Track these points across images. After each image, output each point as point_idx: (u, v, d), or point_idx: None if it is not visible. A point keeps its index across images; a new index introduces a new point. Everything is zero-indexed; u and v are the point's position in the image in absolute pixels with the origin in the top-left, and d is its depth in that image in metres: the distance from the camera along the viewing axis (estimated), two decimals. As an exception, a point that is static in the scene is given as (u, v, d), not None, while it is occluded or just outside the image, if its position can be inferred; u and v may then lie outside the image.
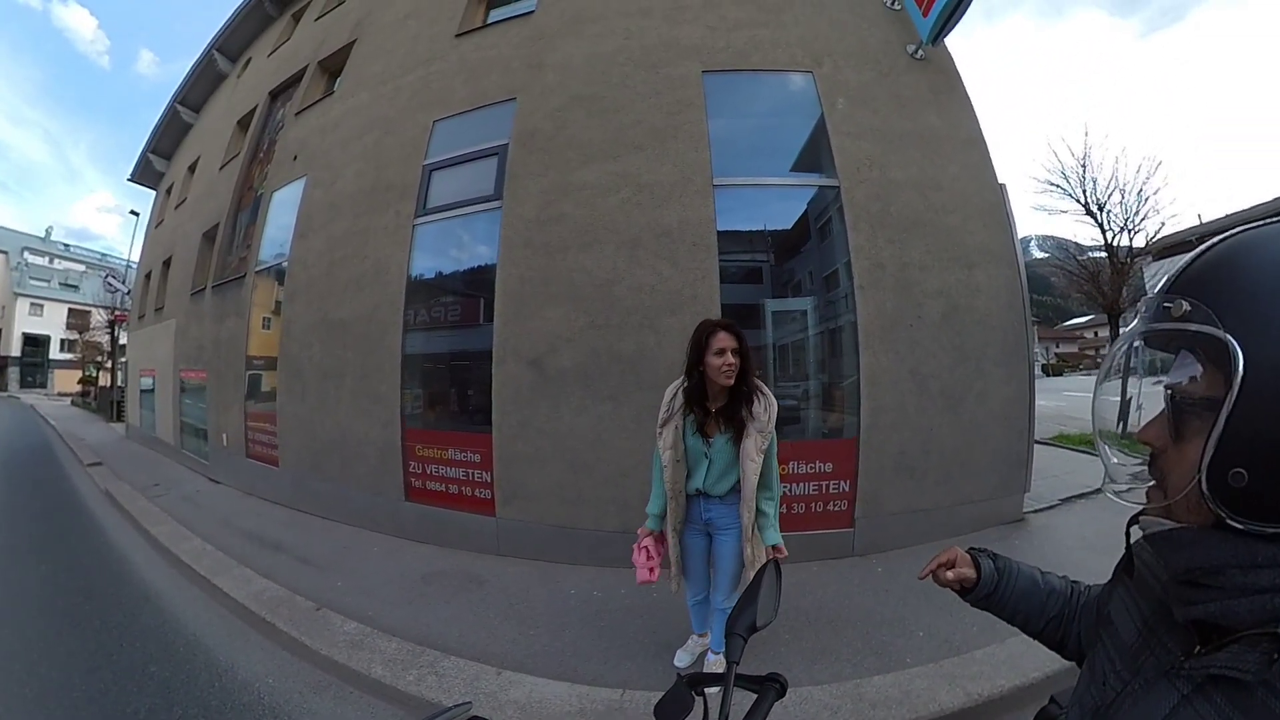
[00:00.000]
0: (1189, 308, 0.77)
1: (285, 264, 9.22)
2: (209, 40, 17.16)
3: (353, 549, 6.62)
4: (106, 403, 26.97)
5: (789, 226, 6.56)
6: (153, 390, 15.98)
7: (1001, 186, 6.64)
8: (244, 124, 13.70)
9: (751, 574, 3.04)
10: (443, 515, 6.65)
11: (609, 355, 5.84)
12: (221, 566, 6.10)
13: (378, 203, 7.95)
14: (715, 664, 3.77)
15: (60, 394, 47.30)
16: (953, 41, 6.91)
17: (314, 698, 3.86)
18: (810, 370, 6.32)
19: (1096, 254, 13.71)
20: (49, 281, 58.07)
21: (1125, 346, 0.91)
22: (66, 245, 64.78)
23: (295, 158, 10.16)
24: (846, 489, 5.78)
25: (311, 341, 8.26)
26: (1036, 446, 6.81)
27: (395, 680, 3.86)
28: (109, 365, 31.63)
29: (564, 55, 7.20)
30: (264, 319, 9.95)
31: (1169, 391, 0.83)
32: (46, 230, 63.58)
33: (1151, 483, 0.87)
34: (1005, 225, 6.52)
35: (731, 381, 3.24)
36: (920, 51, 6.78)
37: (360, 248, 7.89)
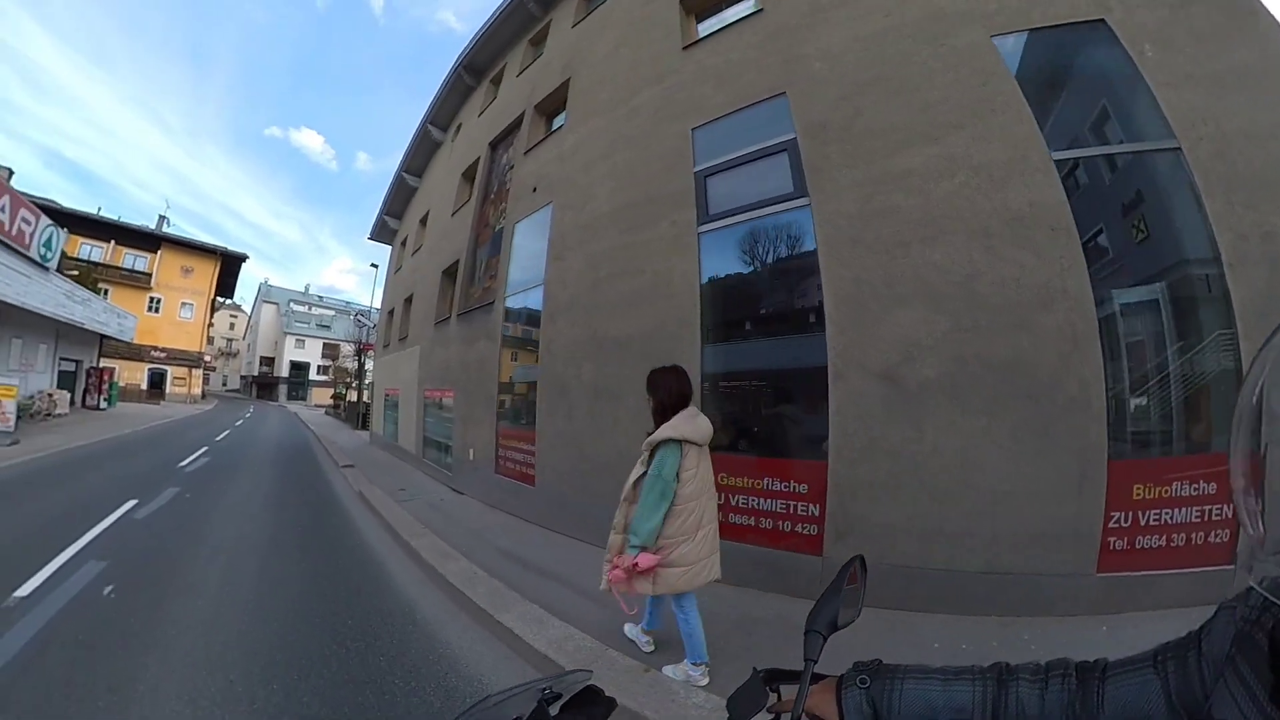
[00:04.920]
0: None
1: (541, 287, 7.49)
2: (421, 117, 16.40)
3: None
4: (353, 414, 27.42)
5: (1129, 200, 4.25)
6: (396, 405, 15.08)
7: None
8: (468, 175, 12.49)
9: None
10: (750, 553, 4.62)
11: (980, 362, 3.97)
12: (501, 599, 4.36)
13: (645, 215, 6.14)
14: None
15: (316, 405, 50.30)
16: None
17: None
18: (1169, 369, 3.89)
19: None
20: (308, 324, 62.73)
21: None
22: (320, 297, 70.63)
23: (535, 189, 8.57)
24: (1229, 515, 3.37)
25: (580, 360, 6.49)
26: None
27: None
28: (355, 385, 31.88)
29: (824, 44, 5.33)
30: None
31: None
32: (305, 287, 69.99)
33: None
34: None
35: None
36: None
37: (631, 262, 6.10)
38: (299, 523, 6.91)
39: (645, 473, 3.12)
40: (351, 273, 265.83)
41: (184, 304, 38.49)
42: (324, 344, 59.89)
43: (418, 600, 4.51)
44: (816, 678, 0.90)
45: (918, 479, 4.06)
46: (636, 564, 2.99)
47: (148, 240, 37.01)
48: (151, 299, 36.51)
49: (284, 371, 58.36)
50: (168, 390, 36.88)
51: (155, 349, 35.93)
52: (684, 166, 5.94)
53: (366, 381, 28.18)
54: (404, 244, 18.33)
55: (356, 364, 32.50)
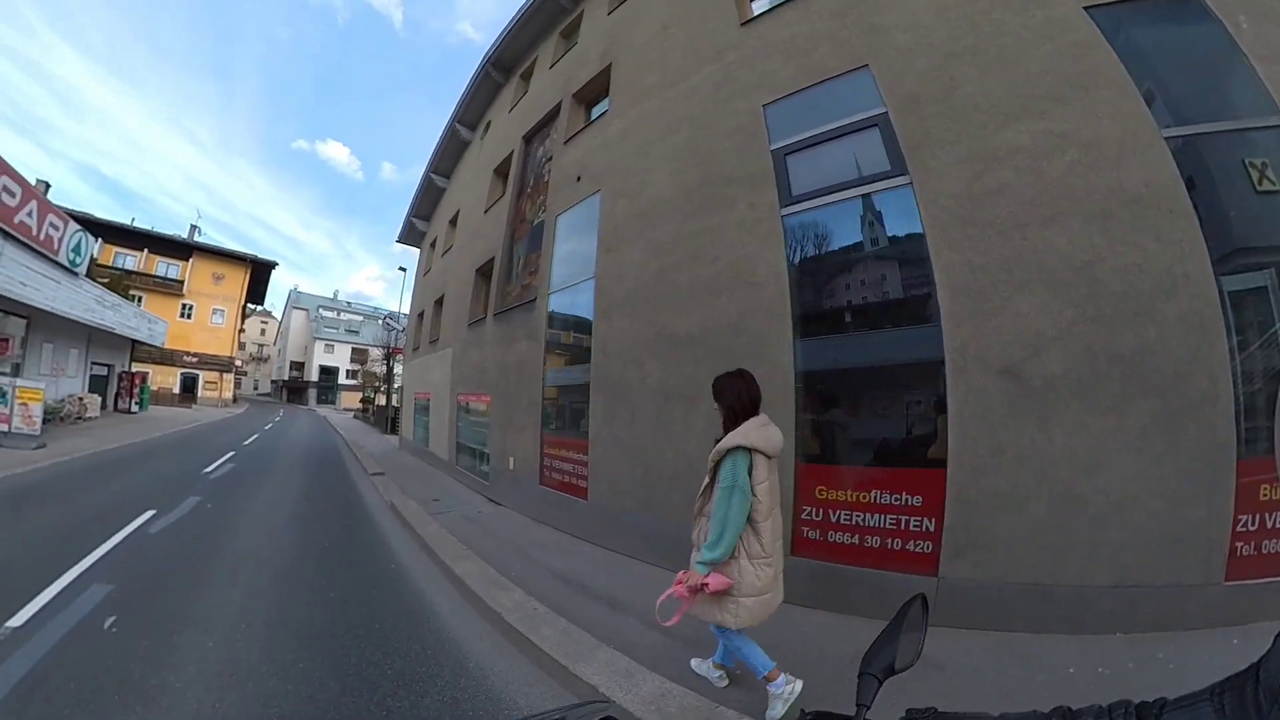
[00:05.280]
0: None
1: (591, 281, 6.77)
2: (447, 119, 15.88)
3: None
4: (382, 418, 26.82)
5: (1239, 180, 3.72)
6: (427, 410, 14.42)
7: None
8: (500, 171, 11.89)
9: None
10: (855, 576, 4.06)
11: (1106, 355, 3.55)
12: (572, 643, 3.59)
13: (716, 198, 5.44)
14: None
15: (345, 409, 49.88)
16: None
17: None
18: None
19: None
20: (337, 329, 62.65)
21: None
22: (349, 303, 70.41)
23: (579, 178, 7.88)
24: None
25: (643, 360, 5.75)
26: None
27: None
28: (383, 389, 31.49)
29: (905, 14, 4.79)
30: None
31: None
32: (334, 293, 70.09)
33: None
34: None
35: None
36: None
37: (702, 250, 5.37)
38: (326, 540, 6.18)
39: (709, 483, 2.85)
40: (379, 279, 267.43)
41: (215, 310, 38.54)
42: (352, 349, 59.78)
43: (468, 641, 3.79)
44: None
45: (1045, 485, 3.59)
46: (706, 584, 2.66)
47: (180, 249, 37.16)
48: (184, 305, 36.58)
49: (313, 376, 58.38)
50: (199, 394, 36.97)
51: (187, 354, 36.00)
52: (758, 145, 5.26)
53: (395, 385, 27.77)
54: (433, 245, 17.84)
55: (385, 368, 32.13)
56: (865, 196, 4.47)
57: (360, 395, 43.44)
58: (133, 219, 36.30)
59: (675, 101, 6.47)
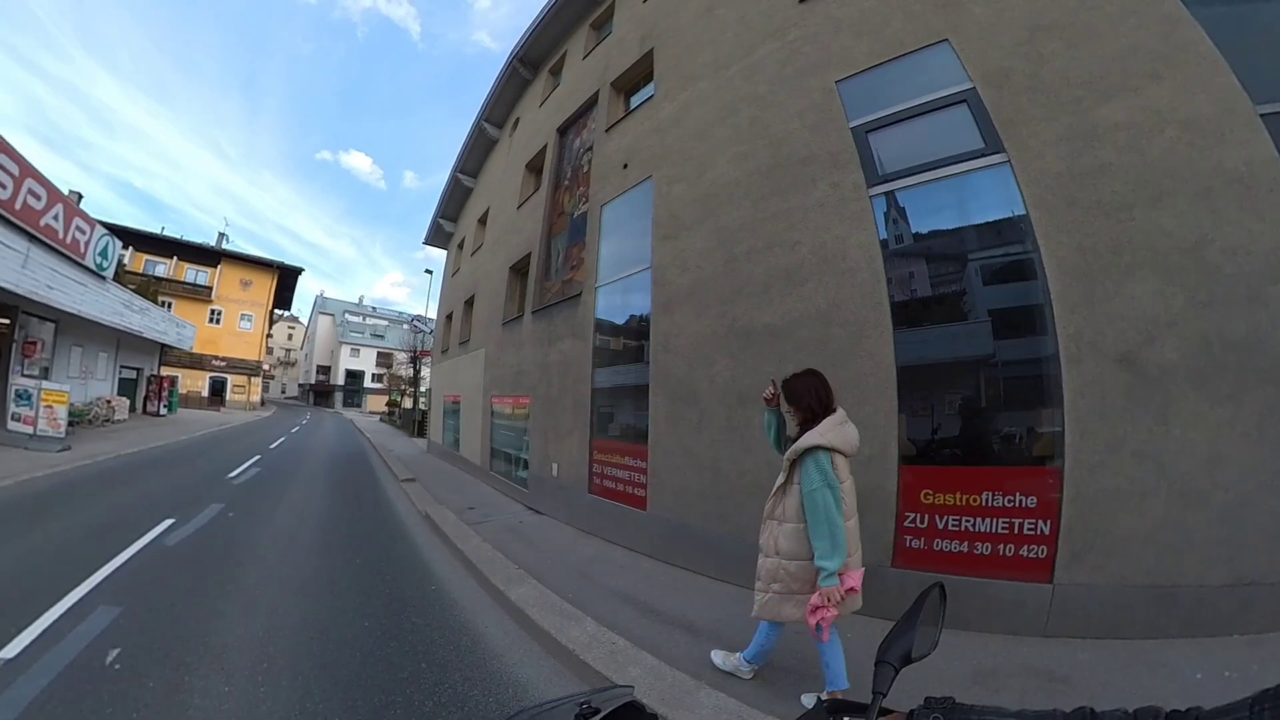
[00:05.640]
0: None
1: (647, 272, 6.24)
2: (476, 114, 15.46)
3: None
4: (409, 421, 26.52)
5: None
6: (458, 413, 13.97)
7: None
8: (533, 166, 11.51)
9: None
10: (963, 585, 3.62)
11: (1220, 341, 3.36)
12: (665, 684, 3.07)
13: (791, 179, 4.96)
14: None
15: (371, 412, 50.21)
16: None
17: None
18: None
19: None
20: (363, 334, 62.90)
21: None
22: (374, 308, 70.48)
23: (625, 166, 7.36)
24: None
25: (712, 357, 5.19)
26: None
27: None
28: (410, 392, 31.21)
29: None
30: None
31: None
32: (359, 299, 69.84)
33: None
34: None
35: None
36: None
37: (779, 234, 4.85)
38: (358, 557, 5.57)
39: (784, 483, 2.83)
40: (403, 285, 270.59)
41: (243, 315, 38.74)
42: (378, 353, 59.99)
43: (537, 686, 3.23)
44: (884, 712, 0.80)
45: (1164, 481, 3.39)
46: (852, 589, 2.59)
47: (208, 256, 37.45)
48: (212, 311, 36.80)
49: (339, 380, 58.66)
50: (228, 397, 37.20)
51: (216, 358, 36.22)
52: (835, 123, 4.79)
53: (423, 388, 27.44)
54: (460, 246, 17.45)
55: (412, 370, 31.84)
56: (959, 175, 4.05)
57: (386, 398, 43.31)
58: (162, 228, 36.40)
59: (733, 81, 5.98)
